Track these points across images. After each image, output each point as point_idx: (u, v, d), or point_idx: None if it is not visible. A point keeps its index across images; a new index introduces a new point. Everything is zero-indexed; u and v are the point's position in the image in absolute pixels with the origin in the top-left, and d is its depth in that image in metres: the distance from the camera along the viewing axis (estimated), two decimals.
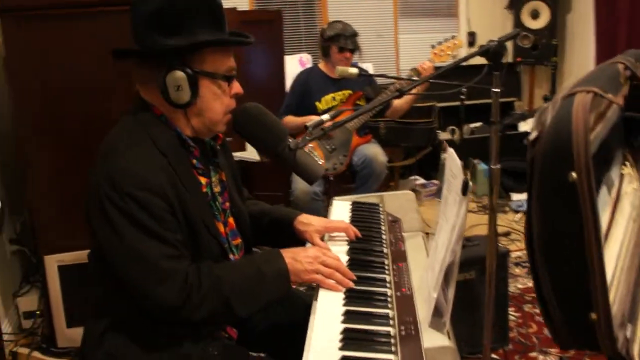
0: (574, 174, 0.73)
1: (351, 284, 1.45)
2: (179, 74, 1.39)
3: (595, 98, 0.79)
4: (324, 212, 3.20)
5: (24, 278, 3.14)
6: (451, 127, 4.94)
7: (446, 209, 1.31)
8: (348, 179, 3.97)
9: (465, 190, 1.14)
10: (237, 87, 1.52)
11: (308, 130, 1.53)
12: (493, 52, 1.92)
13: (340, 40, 3.74)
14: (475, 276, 2.58)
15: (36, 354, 2.67)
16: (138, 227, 1.34)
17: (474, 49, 1.96)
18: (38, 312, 2.87)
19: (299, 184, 3.53)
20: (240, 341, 1.67)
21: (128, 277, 1.37)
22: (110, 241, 1.36)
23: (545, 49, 5.04)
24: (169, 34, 1.40)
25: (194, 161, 1.51)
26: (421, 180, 4.98)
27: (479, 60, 1.88)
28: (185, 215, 1.42)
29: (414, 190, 4.89)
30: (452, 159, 1.30)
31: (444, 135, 4.97)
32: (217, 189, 1.60)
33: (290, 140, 1.51)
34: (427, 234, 1.76)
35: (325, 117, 1.59)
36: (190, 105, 1.43)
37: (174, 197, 1.39)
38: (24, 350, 2.70)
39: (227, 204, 1.64)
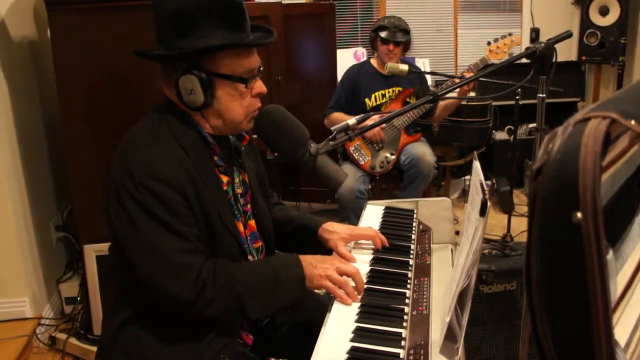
0: (579, 215, 0.63)
1: (357, 299, 1.40)
2: (191, 78, 1.36)
3: (615, 125, 0.69)
4: None
5: (68, 264, 3.22)
6: (509, 127, 4.76)
7: (468, 225, 1.23)
8: (396, 179, 3.88)
9: (483, 211, 1.05)
10: (259, 87, 1.47)
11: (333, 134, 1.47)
12: (540, 54, 1.80)
13: (384, 32, 3.64)
14: (516, 287, 2.47)
15: (73, 340, 2.73)
16: (153, 218, 1.32)
17: None
18: (78, 299, 2.93)
19: (345, 182, 3.46)
20: (258, 346, 1.64)
21: (142, 269, 1.36)
22: (126, 232, 1.35)
23: (613, 47, 4.75)
24: (184, 36, 1.37)
25: (215, 158, 1.48)
26: None
27: None
28: (203, 211, 1.40)
29: (465, 190, 4.74)
30: (476, 174, 1.20)
31: (500, 135, 4.79)
32: (239, 190, 1.56)
33: (311, 145, 1.45)
34: (456, 244, 1.67)
35: (352, 121, 1.52)
36: (207, 107, 1.41)
37: (192, 191, 1.37)
38: (62, 336, 2.76)
39: (249, 206, 1.60)
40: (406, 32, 3.71)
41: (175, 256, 1.34)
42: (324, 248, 1.69)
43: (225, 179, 1.50)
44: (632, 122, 0.70)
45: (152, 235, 1.33)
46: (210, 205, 1.41)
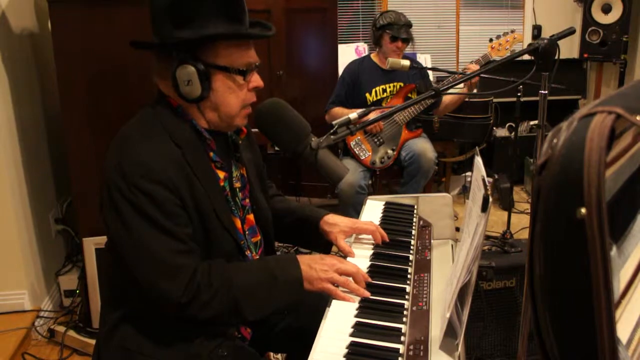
0: (582, 210, 0.62)
1: (367, 294, 1.39)
2: (189, 68, 1.35)
3: (620, 120, 0.68)
4: None
5: (67, 257, 3.22)
6: (509, 124, 4.76)
7: (469, 221, 1.22)
8: (396, 174, 3.88)
9: (485, 206, 1.04)
10: (256, 81, 1.46)
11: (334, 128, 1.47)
12: (542, 50, 1.79)
13: (392, 29, 3.63)
14: (516, 284, 2.47)
15: (72, 332, 2.73)
16: (145, 219, 1.31)
17: None
18: (77, 292, 2.93)
19: (345, 177, 3.45)
20: (256, 341, 1.64)
21: (135, 270, 1.35)
22: (119, 232, 1.34)
23: (615, 45, 4.74)
24: (181, 26, 1.36)
25: (211, 154, 1.46)
26: None
27: None
28: (198, 209, 1.38)
29: (465, 186, 4.74)
30: (478, 169, 1.20)
31: (501, 132, 4.79)
32: (237, 185, 1.55)
33: (312, 139, 1.44)
34: (456, 240, 1.66)
35: (353, 115, 1.51)
36: (203, 99, 1.39)
37: (186, 190, 1.36)
38: (61, 328, 2.76)
39: (247, 200, 1.59)
40: (410, 26, 3.70)
41: (168, 257, 1.32)
42: (324, 240, 1.68)
43: (222, 174, 1.49)
44: (638, 117, 0.69)
45: (145, 237, 1.32)
46: (206, 203, 1.40)
